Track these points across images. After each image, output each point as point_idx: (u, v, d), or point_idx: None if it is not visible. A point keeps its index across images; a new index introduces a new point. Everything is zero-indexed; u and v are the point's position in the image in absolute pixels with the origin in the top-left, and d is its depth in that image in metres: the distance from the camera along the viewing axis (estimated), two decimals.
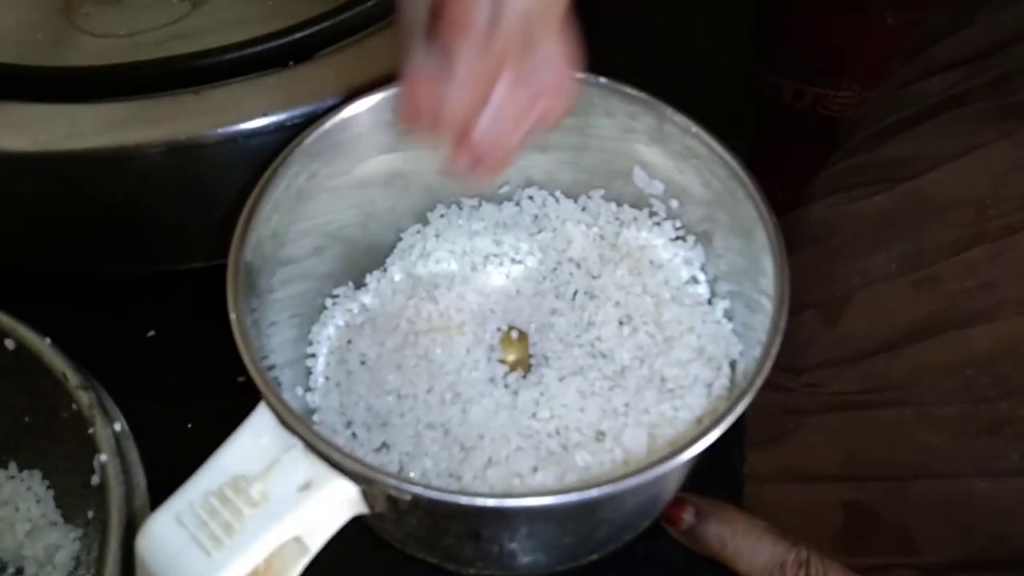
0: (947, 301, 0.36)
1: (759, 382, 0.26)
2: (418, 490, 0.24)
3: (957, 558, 0.34)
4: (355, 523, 0.27)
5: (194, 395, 0.38)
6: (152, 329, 0.39)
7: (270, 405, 0.26)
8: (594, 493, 0.24)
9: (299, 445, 0.25)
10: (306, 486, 0.25)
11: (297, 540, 0.25)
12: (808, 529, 0.37)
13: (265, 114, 0.33)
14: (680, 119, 0.32)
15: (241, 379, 0.36)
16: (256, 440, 0.26)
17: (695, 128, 0.32)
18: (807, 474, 0.38)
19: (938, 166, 0.38)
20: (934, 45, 0.43)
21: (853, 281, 0.39)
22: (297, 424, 0.25)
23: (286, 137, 0.31)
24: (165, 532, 0.24)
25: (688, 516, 0.33)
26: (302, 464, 0.25)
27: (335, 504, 0.25)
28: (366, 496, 0.26)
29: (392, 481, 0.24)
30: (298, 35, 0.34)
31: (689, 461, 0.26)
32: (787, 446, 0.38)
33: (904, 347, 0.36)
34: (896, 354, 0.36)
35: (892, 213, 0.39)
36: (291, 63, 0.34)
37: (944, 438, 0.34)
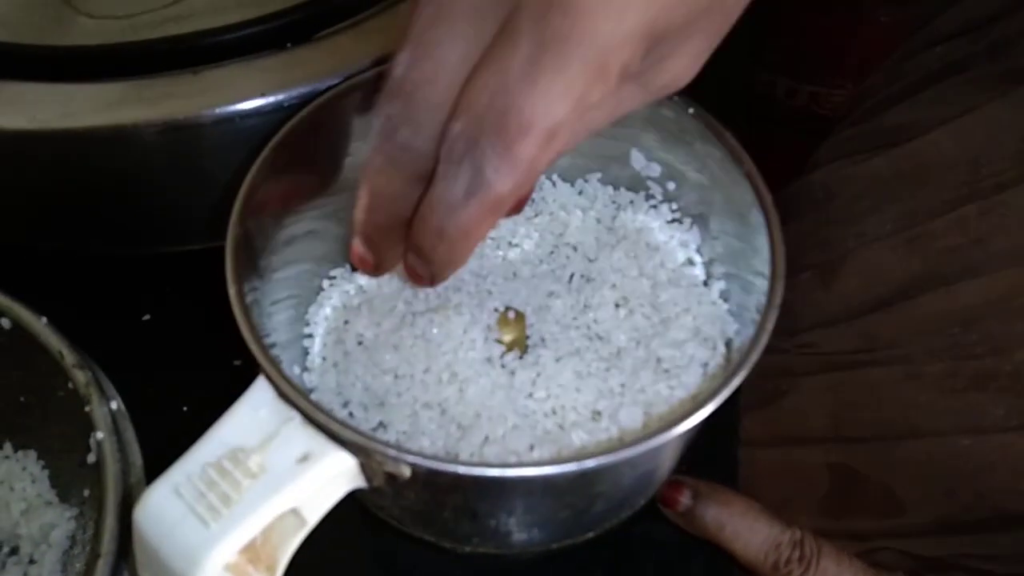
0: (938, 257, 0.36)
1: (754, 357, 0.26)
2: (416, 459, 0.24)
3: (942, 518, 0.34)
4: (351, 503, 0.27)
5: (190, 378, 0.38)
6: (148, 312, 0.39)
7: (269, 377, 0.26)
8: (591, 464, 0.24)
9: (297, 417, 0.25)
10: (304, 458, 0.25)
11: (295, 513, 0.25)
12: (796, 493, 0.37)
13: (263, 95, 0.33)
14: (677, 99, 0.32)
15: (237, 362, 0.36)
16: (254, 413, 0.26)
17: (692, 109, 0.32)
18: (797, 437, 0.38)
19: (935, 128, 0.38)
20: (937, 17, 0.44)
21: (849, 242, 0.39)
22: (296, 396, 0.25)
23: (283, 118, 0.31)
24: (163, 503, 0.24)
25: (685, 498, 0.33)
26: (300, 436, 0.25)
27: (333, 476, 0.25)
28: (364, 469, 0.26)
29: (391, 451, 0.24)
30: (296, 17, 0.34)
31: (684, 436, 0.26)
32: (778, 409, 0.39)
33: (896, 305, 0.36)
34: (888, 312, 0.37)
35: (889, 175, 0.40)
36: (289, 45, 0.34)
37: (930, 395, 0.35)
